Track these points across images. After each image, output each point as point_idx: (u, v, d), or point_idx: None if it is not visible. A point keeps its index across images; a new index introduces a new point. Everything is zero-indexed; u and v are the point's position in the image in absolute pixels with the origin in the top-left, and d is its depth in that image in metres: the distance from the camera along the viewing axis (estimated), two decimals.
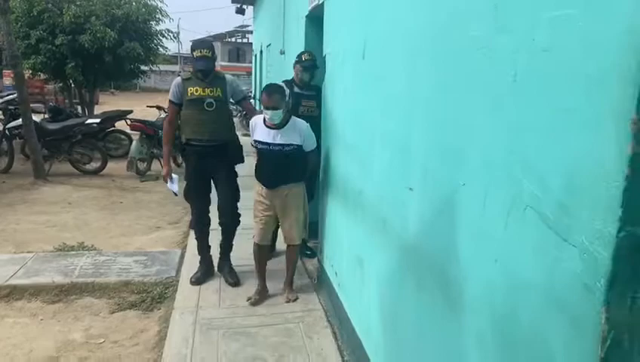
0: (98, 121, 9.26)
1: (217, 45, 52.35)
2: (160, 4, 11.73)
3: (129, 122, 9.10)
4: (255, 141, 3.72)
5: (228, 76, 4.15)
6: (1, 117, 9.11)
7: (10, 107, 9.05)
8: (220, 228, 4.30)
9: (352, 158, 3.26)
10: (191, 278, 4.29)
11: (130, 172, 8.79)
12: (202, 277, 4.31)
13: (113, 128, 10.13)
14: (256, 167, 3.85)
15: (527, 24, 1.30)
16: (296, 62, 4.55)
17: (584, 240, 1.09)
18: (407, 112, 2.19)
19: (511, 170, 1.37)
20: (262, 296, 4.01)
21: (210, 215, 4.32)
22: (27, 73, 10.95)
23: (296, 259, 4.13)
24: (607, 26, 1.03)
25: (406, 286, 2.21)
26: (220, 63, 51.94)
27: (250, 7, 15.85)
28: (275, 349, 3.32)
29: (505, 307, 1.42)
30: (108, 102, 20.98)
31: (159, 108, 9.96)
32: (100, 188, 8.08)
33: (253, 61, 16.78)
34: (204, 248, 4.40)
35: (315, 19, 4.62)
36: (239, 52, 50.18)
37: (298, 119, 3.75)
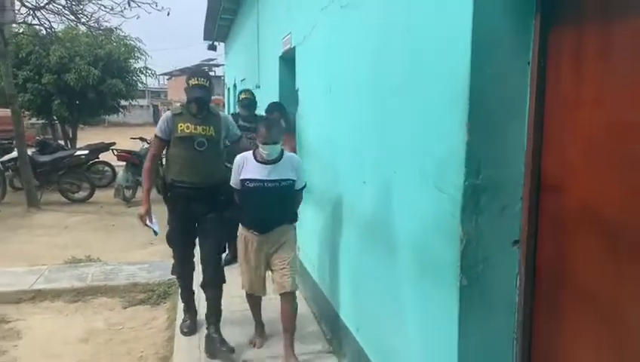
0: (86, 152, 9.96)
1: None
2: (138, 44, 12.61)
3: (116, 152, 9.83)
4: (245, 180, 3.30)
5: (222, 114, 3.85)
6: None
7: (4, 141, 9.69)
8: (204, 292, 3.75)
9: (324, 167, 4.14)
10: (182, 328, 3.94)
11: (117, 198, 9.49)
12: (193, 324, 3.97)
13: (97, 159, 10.83)
14: (242, 211, 3.47)
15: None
16: (237, 102, 5.63)
17: (450, 190, 2.00)
18: (359, 131, 3.11)
19: (419, 158, 2.28)
20: (263, 336, 3.79)
21: (194, 259, 3.93)
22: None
23: (294, 312, 3.48)
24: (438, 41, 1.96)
25: (365, 251, 3.09)
26: None
27: (222, 43, 16.84)
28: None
29: (413, 236, 2.33)
30: (81, 138, 21.62)
31: (142, 139, 10.70)
32: (91, 214, 8.76)
33: (227, 93, 17.69)
34: (188, 295, 4.00)
35: (288, 60, 5.55)
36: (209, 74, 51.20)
37: (290, 153, 3.54)
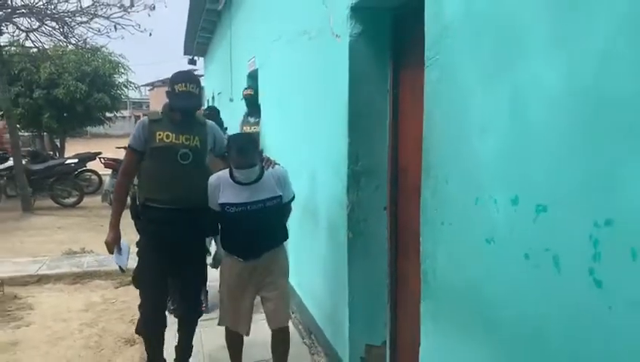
0: (75, 161, 10.83)
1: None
2: (122, 60, 13.55)
3: (103, 160, 10.72)
4: (225, 205, 2.85)
5: (209, 122, 3.25)
6: None
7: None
8: (177, 321, 3.34)
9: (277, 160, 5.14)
10: None
11: (104, 203, 10.34)
12: None
13: (85, 168, 11.70)
14: (225, 236, 3.01)
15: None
16: (243, 98, 6.43)
17: (342, 175, 3.00)
18: (297, 135, 4.11)
19: (329, 155, 3.28)
20: None
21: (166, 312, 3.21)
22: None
23: (287, 348, 3.10)
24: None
25: (301, 226, 4.09)
26: None
27: (202, 58, 17.84)
28: None
29: (326, 207, 3.33)
30: (66, 149, 22.53)
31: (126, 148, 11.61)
32: (81, 217, 9.64)
33: (206, 104, 18.66)
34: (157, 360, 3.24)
35: (254, 77, 6.56)
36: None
37: (272, 168, 3.01)
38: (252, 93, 6.17)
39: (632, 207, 1.09)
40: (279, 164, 3.05)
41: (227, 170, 2.93)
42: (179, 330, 3.34)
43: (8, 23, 8.75)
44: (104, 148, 13.17)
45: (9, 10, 8.72)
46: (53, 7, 8.69)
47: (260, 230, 2.91)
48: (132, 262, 3.31)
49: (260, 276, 2.99)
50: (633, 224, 1.09)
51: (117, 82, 13.58)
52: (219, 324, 3.09)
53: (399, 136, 2.89)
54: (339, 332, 3.19)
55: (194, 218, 3.03)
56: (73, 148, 15.51)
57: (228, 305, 3.02)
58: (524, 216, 1.43)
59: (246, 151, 2.79)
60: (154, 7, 8.81)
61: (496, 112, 1.54)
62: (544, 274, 1.36)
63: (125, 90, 13.70)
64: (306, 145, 3.85)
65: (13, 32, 9.41)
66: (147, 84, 52.30)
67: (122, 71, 13.53)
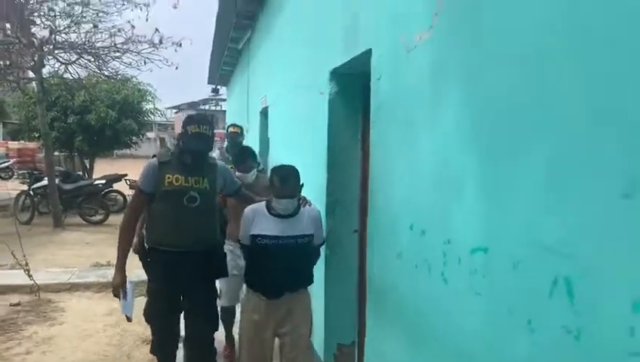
0: (103, 182, 11.75)
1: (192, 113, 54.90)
2: (150, 89, 14.60)
3: (128, 182, 11.61)
4: (257, 236, 2.87)
5: (219, 163, 3.35)
6: (28, 180, 11.52)
7: (35, 172, 11.52)
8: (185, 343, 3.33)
9: None
10: None
11: None
12: None
13: (111, 188, 12.62)
14: (250, 271, 3.04)
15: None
16: (226, 135, 6.54)
17: (322, 204, 3.71)
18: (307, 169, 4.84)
19: (315, 189, 3.99)
20: None
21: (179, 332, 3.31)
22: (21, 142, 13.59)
23: None
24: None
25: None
26: None
27: (224, 87, 18.90)
28: None
29: None
30: (94, 168, 23.94)
31: None
32: (107, 234, 10.46)
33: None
34: None
35: (265, 114, 7.36)
36: (212, 118, 52.51)
37: (308, 206, 3.16)
38: (238, 132, 5.90)
39: (464, 232, 1.79)
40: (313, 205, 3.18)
41: (264, 203, 3.00)
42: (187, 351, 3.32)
43: (51, 57, 9.78)
44: (129, 168, 14.14)
45: (51, 45, 9.75)
46: (90, 43, 9.69)
47: (287, 267, 2.88)
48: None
49: (281, 317, 2.96)
50: (466, 244, 1.79)
51: (144, 109, 14.62)
52: None
53: (367, 174, 3.59)
54: (316, 333, 3.86)
55: (203, 260, 3.08)
56: (101, 168, 16.60)
57: (249, 346, 2.99)
58: (414, 237, 2.13)
59: (288, 181, 2.86)
60: (180, 45, 9.74)
61: (403, 168, 2.25)
62: (425, 278, 2.05)
63: (152, 116, 14.73)
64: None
65: (54, 64, 10.46)
66: (173, 107, 53.90)
67: (149, 99, 14.58)
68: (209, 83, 18.38)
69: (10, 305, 5.78)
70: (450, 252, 1.83)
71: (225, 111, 27.63)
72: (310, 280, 3.14)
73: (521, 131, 1.43)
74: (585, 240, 1.18)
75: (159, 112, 15.03)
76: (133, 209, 3.18)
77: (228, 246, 3.80)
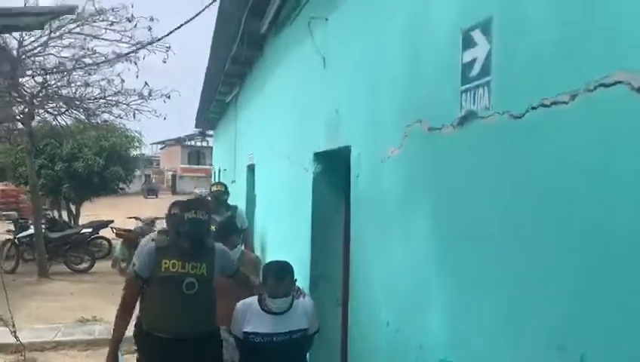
0: (90, 230, 11.78)
1: (177, 149, 54.47)
2: (137, 135, 14.82)
3: (114, 230, 11.65)
4: (251, 334, 2.86)
5: (218, 246, 3.30)
6: (13, 228, 11.51)
7: (21, 220, 11.53)
8: None
9: (266, 234, 6.00)
10: None
11: (114, 269, 11.19)
12: None
13: (97, 235, 12.63)
14: None
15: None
16: (209, 193, 6.48)
17: (305, 279, 3.87)
18: (280, 229, 5.02)
19: (296, 264, 4.16)
20: None
21: None
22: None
23: None
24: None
25: None
26: (180, 166, 54.26)
27: (212, 131, 19.21)
28: None
29: None
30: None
31: (137, 218, 12.57)
32: (93, 283, 10.47)
33: (213, 176, 19.81)
34: None
35: (252, 169, 7.58)
36: (199, 154, 51.81)
37: (302, 298, 3.10)
38: (222, 190, 5.83)
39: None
40: (307, 295, 3.19)
41: (256, 298, 2.98)
42: None
43: (41, 110, 9.96)
44: (115, 207, 14.16)
45: (40, 98, 9.94)
46: (81, 98, 9.90)
47: (281, 361, 2.91)
48: None
49: None
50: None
51: (132, 155, 14.78)
52: None
53: (350, 248, 3.78)
54: None
55: (199, 346, 3.03)
56: (86, 207, 16.60)
57: None
58: (391, 333, 2.31)
59: (283, 280, 2.83)
60: (169, 97, 9.97)
61: (381, 269, 2.45)
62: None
63: (138, 163, 14.92)
64: (284, 247, 4.75)
65: (43, 114, 10.61)
66: (158, 142, 53.58)
67: (137, 145, 14.77)
68: (196, 127, 18.71)
69: None
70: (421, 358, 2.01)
71: (212, 147, 27.93)
72: None
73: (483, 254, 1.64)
74: None
75: (145, 157, 15.19)
76: (130, 295, 3.16)
77: (223, 334, 3.60)
